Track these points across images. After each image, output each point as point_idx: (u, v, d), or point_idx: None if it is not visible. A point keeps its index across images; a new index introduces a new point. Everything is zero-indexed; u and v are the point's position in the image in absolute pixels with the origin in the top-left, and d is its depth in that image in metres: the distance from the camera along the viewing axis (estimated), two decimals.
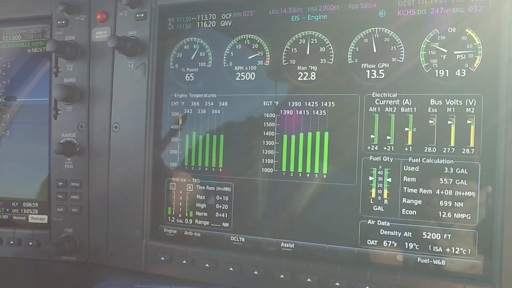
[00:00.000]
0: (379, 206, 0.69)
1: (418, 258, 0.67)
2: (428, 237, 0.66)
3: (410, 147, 0.67)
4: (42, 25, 0.90)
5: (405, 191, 0.67)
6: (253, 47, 0.77)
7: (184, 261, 0.77)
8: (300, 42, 0.75)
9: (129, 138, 0.82)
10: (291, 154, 0.74)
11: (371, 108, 0.70)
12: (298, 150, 0.74)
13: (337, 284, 0.68)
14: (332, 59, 0.73)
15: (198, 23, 0.82)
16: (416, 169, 0.67)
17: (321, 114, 0.73)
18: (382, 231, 0.68)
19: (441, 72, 0.66)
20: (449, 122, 0.65)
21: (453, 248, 0.65)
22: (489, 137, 0.63)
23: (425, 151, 0.66)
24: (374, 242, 0.69)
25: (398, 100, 0.68)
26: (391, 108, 0.69)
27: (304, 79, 0.74)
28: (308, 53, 0.74)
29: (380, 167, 0.69)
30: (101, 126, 0.84)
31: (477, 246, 0.64)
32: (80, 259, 0.85)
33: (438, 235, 0.66)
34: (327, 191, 0.72)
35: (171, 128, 0.82)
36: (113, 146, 0.83)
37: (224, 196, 0.78)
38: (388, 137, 0.69)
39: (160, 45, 0.82)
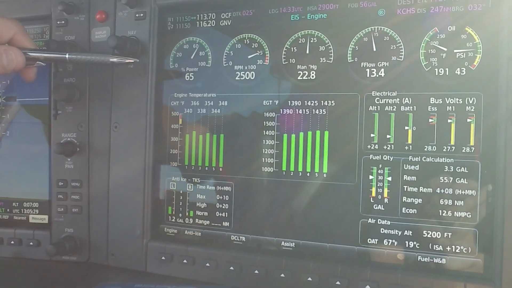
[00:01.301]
0: (379, 205, 0.69)
1: (419, 256, 0.67)
2: (428, 235, 0.66)
3: (410, 146, 0.67)
4: (42, 25, 0.90)
5: (405, 189, 0.67)
6: (252, 46, 0.77)
7: (185, 261, 0.77)
8: (299, 41, 0.74)
9: (129, 137, 0.82)
10: (291, 153, 0.74)
11: (371, 107, 0.70)
12: (298, 149, 0.74)
13: (338, 283, 0.68)
14: (332, 58, 0.72)
15: (198, 22, 0.82)
16: (416, 167, 0.67)
17: (321, 113, 0.73)
18: (382, 230, 0.68)
19: (441, 70, 0.66)
20: (449, 120, 0.65)
21: (453, 246, 0.65)
22: (489, 136, 0.63)
23: (425, 149, 0.66)
24: (375, 241, 0.69)
25: (398, 99, 0.68)
26: (391, 107, 0.68)
27: (304, 78, 0.74)
28: (307, 52, 0.74)
29: (380, 166, 0.69)
30: (101, 126, 0.84)
31: (477, 245, 0.64)
32: (81, 259, 0.86)
33: (439, 234, 0.66)
34: (327, 190, 0.72)
35: (171, 127, 0.82)
36: (113, 145, 0.83)
37: (224, 196, 0.78)
38: (388, 136, 0.69)
39: (159, 45, 0.82)
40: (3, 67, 0.71)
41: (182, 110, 0.82)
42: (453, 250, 0.65)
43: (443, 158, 0.66)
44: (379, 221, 0.69)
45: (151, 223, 0.81)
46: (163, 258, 0.79)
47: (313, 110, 0.73)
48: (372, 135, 0.69)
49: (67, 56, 0.77)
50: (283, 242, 0.74)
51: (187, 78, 0.82)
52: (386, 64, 0.69)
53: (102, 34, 0.84)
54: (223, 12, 0.80)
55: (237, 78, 0.78)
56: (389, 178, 0.68)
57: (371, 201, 0.69)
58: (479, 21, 0.64)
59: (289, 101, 0.75)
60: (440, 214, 0.65)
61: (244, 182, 0.77)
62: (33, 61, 0.76)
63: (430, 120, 0.66)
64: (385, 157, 0.69)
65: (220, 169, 0.79)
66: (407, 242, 0.67)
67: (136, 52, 0.81)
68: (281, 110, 0.75)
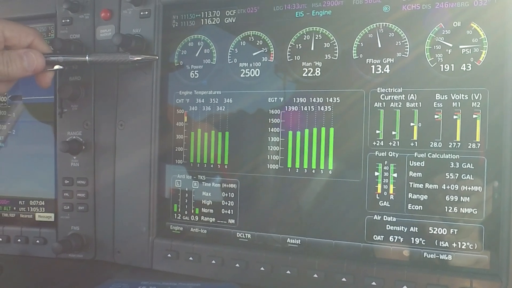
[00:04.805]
0: (385, 202, 0.69)
1: (425, 253, 0.67)
2: (434, 232, 0.66)
3: (416, 142, 0.67)
4: (47, 23, 0.90)
5: (411, 186, 0.67)
6: (257, 44, 0.77)
7: (191, 258, 0.78)
8: (304, 38, 0.74)
9: (135, 135, 0.82)
10: (297, 150, 0.74)
11: (376, 103, 0.69)
12: (304, 146, 0.74)
13: (344, 279, 0.68)
14: (337, 55, 0.72)
15: (202, 20, 0.82)
16: (422, 164, 0.67)
17: (326, 110, 0.72)
18: (388, 227, 0.68)
19: (447, 66, 0.66)
20: (454, 116, 0.65)
21: (459, 243, 0.65)
22: (495, 132, 0.63)
23: (431, 146, 0.66)
24: (380, 237, 0.69)
25: (403, 95, 0.68)
26: (396, 103, 0.68)
27: (309, 75, 0.74)
28: (312, 49, 0.74)
29: (385, 162, 0.69)
30: (107, 124, 0.85)
31: (483, 241, 0.64)
32: (87, 256, 0.86)
33: (445, 230, 0.66)
34: (332, 187, 0.72)
35: (176, 125, 0.82)
36: (119, 143, 0.84)
37: (230, 193, 0.78)
38: (393, 132, 0.68)
39: (164, 43, 0.82)
40: (23, 69, 0.72)
41: (187, 108, 0.82)
42: (459, 247, 0.65)
43: (449, 155, 0.65)
44: (385, 218, 0.69)
45: (157, 221, 0.82)
46: (169, 255, 0.79)
47: (318, 106, 0.73)
48: (377, 131, 0.69)
49: (87, 58, 0.78)
50: (288, 239, 0.74)
51: (192, 75, 0.82)
52: (391, 60, 0.69)
53: (107, 32, 0.85)
54: (228, 10, 0.80)
55: (242, 75, 0.78)
56: (395, 175, 0.68)
57: (377, 197, 0.69)
58: (484, 16, 0.64)
59: (294, 98, 0.74)
60: (446, 210, 0.65)
61: (249, 179, 0.77)
62: (51, 65, 0.77)
63: (436, 116, 0.66)
64: (390, 153, 0.68)
65: (226, 167, 0.79)
66: (412, 238, 0.67)
67: (141, 50, 0.81)
68: (286, 107, 0.75)
